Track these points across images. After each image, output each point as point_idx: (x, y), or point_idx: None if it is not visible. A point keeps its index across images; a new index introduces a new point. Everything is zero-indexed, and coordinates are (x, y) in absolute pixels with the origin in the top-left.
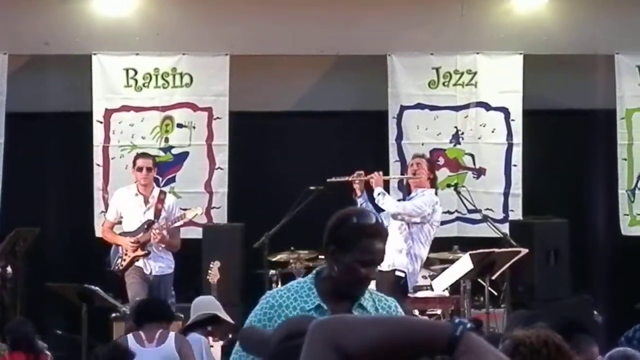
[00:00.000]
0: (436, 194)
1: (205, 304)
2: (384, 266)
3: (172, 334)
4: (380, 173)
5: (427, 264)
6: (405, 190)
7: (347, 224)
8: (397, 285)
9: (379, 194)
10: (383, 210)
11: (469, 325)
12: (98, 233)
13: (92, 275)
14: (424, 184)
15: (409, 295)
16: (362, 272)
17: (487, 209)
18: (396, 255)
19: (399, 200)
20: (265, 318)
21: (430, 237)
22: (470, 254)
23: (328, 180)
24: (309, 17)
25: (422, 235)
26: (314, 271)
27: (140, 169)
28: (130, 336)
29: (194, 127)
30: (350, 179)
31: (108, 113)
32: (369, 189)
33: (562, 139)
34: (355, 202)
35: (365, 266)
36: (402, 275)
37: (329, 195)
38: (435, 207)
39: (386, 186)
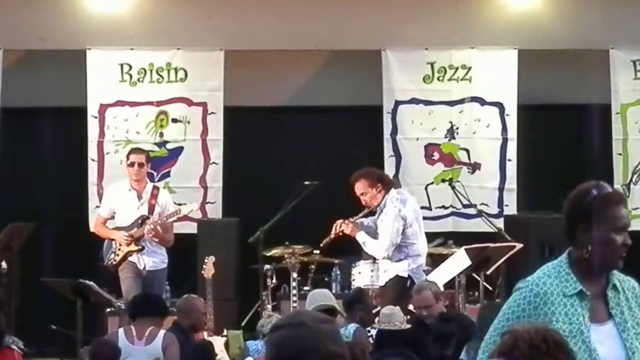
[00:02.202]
0: (395, 187)
1: (323, 296)
2: (387, 278)
3: (161, 332)
4: (346, 222)
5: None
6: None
7: (589, 197)
8: (403, 286)
9: (362, 243)
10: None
11: None
12: (92, 228)
13: (87, 270)
14: (378, 200)
15: None
16: (617, 240)
17: (482, 203)
18: (396, 265)
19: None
20: (530, 307)
21: (419, 231)
22: (465, 249)
23: (322, 245)
24: (304, 13)
25: (410, 238)
26: (564, 254)
27: (132, 165)
28: (121, 332)
29: (189, 122)
30: (334, 234)
31: (103, 108)
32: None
33: (557, 133)
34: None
35: (618, 233)
36: (405, 275)
37: (323, 190)
38: (401, 213)
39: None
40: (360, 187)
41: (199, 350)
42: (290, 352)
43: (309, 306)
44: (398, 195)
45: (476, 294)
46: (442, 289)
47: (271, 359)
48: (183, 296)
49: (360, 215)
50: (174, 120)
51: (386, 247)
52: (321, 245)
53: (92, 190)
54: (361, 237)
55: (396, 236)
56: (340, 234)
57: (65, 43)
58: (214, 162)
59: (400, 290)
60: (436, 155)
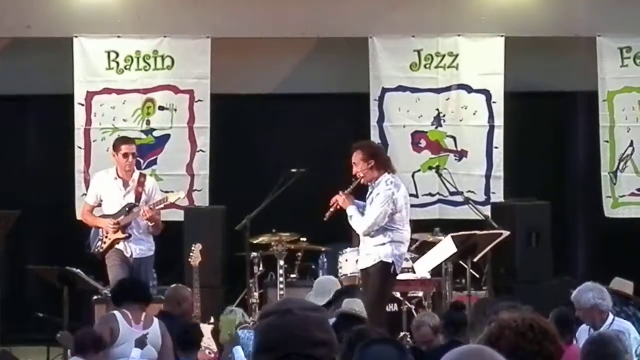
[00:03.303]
0: (390, 172)
1: (332, 284)
2: (370, 262)
3: (156, 320)
4: (341, 192)
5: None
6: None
7: None
8: (387, 271)
9: (350, 217)
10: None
11: None
12: (79, 215)
13: (73, 258)
14: (371, 176)
15: None
16: None
17: (469, 191)
18: (379, 249)
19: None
20: None
21: (406, 218)
22: (451, 236)
23: (325, 218)
24: (290, 0)
25: (397, 223)
26: None
27: (126, 155)
28: (118, 313)
29: (175, 110)
30: (334, 208)
31: (89, 95)
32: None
33: (544, 121)
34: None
35: None
36: (389, 261)
37: (310, 177)
38: (394, 196)
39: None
40: (354, 157)
41: (186, 332)
42: (277, 339)
43: (316, 295)
44: (393, 179)
45: (463, 281)
46: (428, 275)
47: (259, 346)
48: (172, 286)
49: (352, 187)
50: (161, 108)
51: (369, 225)
52: (324, 219)
53: (78, 177)
54: (350, 210)
55: (382, 218)
56: (339, 207)
57: (52, 31)
58: (200, 150)
59: (384, 276)
60: (423, 143)
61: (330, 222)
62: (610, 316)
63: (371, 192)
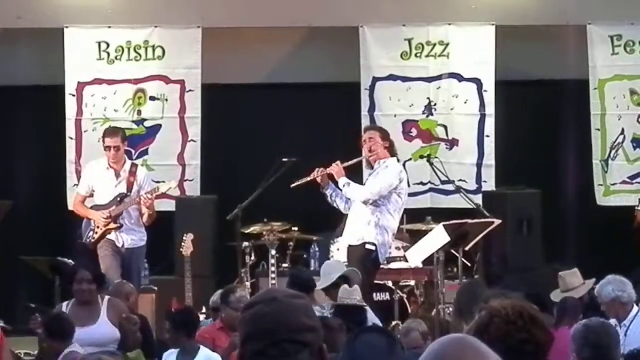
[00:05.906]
0: (398, 161)
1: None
2: (354, 240)
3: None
4: (338, 163)
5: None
6: (368, 166)
7: None
8: (368, 259)
9: (344, 185)
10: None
11: None
12: (71, 206)
13: (65, 248)
14: (383, 155)
15: (382, 266)
16: None
17: (461, 180)
18: (365, 228)
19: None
20: None
21: (399, 206)
22: (443, 225)
23: (292, 185)
24: None
25: (391, 206)
26: None
27: (108, 149)
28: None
29: (167, 100)
30: (312, 177)
31: (81, 86)
32: (333, 179)
33: (535, 109)
34: (324, 195)
35: None
36: (373, 248)
37: (301, 167)
38: (401, 175)
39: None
40: (370, 134)
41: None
42: (265, 327)
43: (324, 276)
44: (401, 167)
45: (455, 270)
46: (420, 265)
47: (247, 335)
48: (116, 281)
49: (351, 162)
50: (152, 98)
51: (372, 192)
52: (292, 186)
53: (70, 168)
54: (344, 180)
55: (387, 188)
56: (319, 178)
57: (43, 21)
58: (192, 140)
59: (365, 267)
60: (414, 132)
61: (321, 211)
62: (636, 308)
63: (376, 170)
